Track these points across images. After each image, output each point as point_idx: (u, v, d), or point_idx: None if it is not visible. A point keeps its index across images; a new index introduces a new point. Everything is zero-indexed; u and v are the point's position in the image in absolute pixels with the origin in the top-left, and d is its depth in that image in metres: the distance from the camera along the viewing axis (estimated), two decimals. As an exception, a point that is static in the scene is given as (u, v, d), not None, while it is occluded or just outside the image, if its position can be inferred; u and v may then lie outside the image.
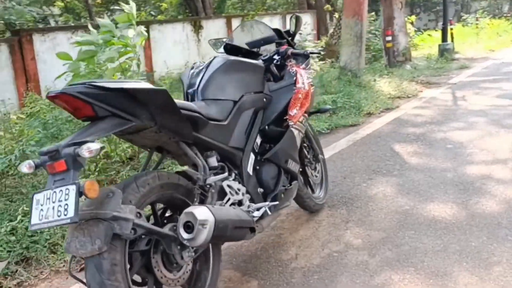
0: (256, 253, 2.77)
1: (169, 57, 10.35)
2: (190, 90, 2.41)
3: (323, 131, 5.40)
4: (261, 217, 2.43)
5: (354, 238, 2.83)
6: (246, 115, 2.49)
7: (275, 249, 2.80)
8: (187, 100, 2.42)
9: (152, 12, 17.26)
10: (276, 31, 3.00)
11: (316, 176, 3.27)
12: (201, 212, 1.87)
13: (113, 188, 1.77)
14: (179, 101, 2.06)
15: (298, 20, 3.03)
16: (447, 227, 2.86)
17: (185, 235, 1.85)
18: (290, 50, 2.85)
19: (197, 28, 12.12)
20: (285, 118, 2.67)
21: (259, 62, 2.73)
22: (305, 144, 3.15)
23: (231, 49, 2.96)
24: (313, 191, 3.30)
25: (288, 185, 2.70)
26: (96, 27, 4.40)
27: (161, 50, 10.41)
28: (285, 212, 3.25)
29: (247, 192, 2.39)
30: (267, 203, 2.45)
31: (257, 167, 2.52)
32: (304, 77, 2.77)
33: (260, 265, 2.62)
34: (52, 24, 13.66)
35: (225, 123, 2.33)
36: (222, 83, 2.42)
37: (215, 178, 2.13)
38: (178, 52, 10.91)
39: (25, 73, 8.02)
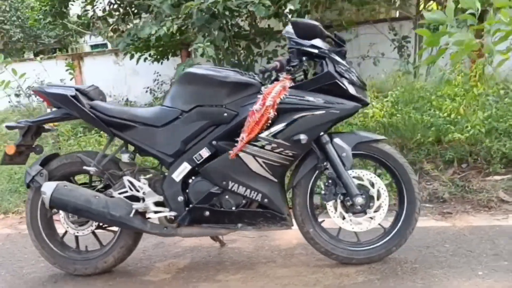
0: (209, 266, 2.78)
1: None
2: None
3: None
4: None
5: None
6: (193, 126, 2.55)
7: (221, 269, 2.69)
8: None
9: None
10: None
11: (355, 224, 2.54)
12: (45, 185, 2.57)
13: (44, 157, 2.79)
14: (106, 105, 2.66)
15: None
16: None
17: None
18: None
19: None
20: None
21: (228, 75, 2.55)
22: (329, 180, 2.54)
23: None
24: (358, 239, 2.64)
25: (234, 208, 2.53)
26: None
27: None
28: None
29: (162, 194, 2.59)
30: (167, 210, 2.56)
31: (191, 177, 2.58)
32: (272, 95, 2.37)
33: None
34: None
35: (158, 129, 2.60)
36: (175, 93, 2.62)
37: (90, 169, 2.61)
38: None
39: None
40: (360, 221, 2.55)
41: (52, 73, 9.86)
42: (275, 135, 2.41)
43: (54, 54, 14.18)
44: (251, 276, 2.57)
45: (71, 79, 9.90)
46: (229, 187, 2.51)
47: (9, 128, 2.77)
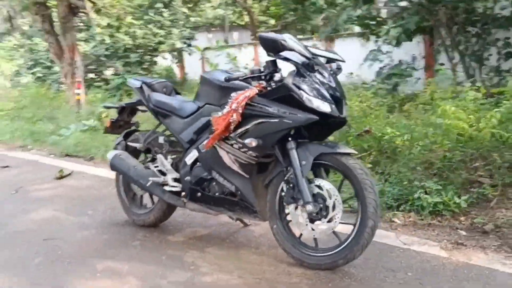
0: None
1: None
2: None
3: None
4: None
5: None
6: (202, 120, 3.10)
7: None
8: None
9: None
10: None
11: (309, 229, 2.67)
12: (110, 152, 3.52)
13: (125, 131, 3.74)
14: (162, 97, 3.40)
15: None
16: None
17: None
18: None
19: None
20: None
21: (221, 80, 2.89)
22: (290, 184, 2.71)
23: None
24: (317, 244, 2.80)
25: (217, 194, 2.97)
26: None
27: None
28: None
29: (179, 173, 3.20)
30: (179, 186, 3.16)
31: (196, 162, 3.10)
32: (238, 100, 2.69)
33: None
34: None
35: (183, 119, 3.23)
36: (198, 91, 3.20)
37: (137, 144, 3.38)
38: None
39: None
40: (314, 228, 2.68)
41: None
42: (240, 136, 2.75)
43: (312, 36, 15.52)
44: (226, 255, 3.03)
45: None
46: (213, 176, 2.97)
47: (106, 107, 3.79)
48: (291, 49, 2.65)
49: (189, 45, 15.09)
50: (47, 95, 11.46)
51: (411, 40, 7.36)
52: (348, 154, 2.66)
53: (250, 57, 14.14)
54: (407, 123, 4.25)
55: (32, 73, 15.10)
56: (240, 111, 2.71)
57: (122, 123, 3.76)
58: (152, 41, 13.97)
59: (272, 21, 20.87)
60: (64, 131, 7.69)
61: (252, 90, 2.73)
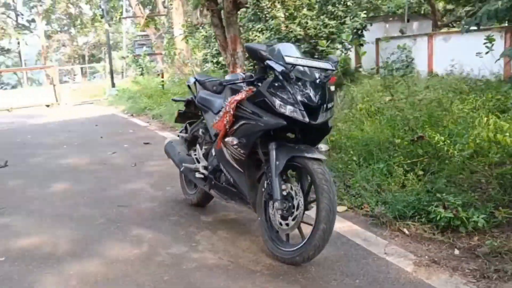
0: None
1: None
2: None
3: None
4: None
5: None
6: None
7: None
8: None
9: None
10: None
11: (281, 225, 2.87)
12: (166, 139, 4.08)
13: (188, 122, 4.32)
14: (205, 94, 3.88)
15: None
16: None
17: None
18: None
19: None
20: None
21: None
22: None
23: None
24: (288, 240, 2.99)
25: (224, 183, 3.33)
26: None
27: None
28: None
29: (206, 160, 3.64)
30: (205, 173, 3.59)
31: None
32: (230, 102, 2.99)
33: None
34: None
35: (215, 115, 3.65)
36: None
37: (185, 135, 3.87)
38: None
39: None
40: (282, 224, 2.88)
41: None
42: (232, 135, 3.06)
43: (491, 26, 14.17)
44: (228, 238, 3.43)
45: (486, 53, 10.16)
46: (221, 167, 3.34)
47: (174, 100, 4.39)
48: (269, 59, 2.85)
49: (360, 36, 15.03)
50: (216, 82, 12.78)
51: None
52: (317, 159, 2.78)
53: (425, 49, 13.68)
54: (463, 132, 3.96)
55: (216, 61, 16.82)
56: (232, 113, 3.02)
57: (190, 114, 4.31)
58: (323, 32, 14.28)
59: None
60: (206, 116, 8.64)
61: (242, 94, 3.02)
